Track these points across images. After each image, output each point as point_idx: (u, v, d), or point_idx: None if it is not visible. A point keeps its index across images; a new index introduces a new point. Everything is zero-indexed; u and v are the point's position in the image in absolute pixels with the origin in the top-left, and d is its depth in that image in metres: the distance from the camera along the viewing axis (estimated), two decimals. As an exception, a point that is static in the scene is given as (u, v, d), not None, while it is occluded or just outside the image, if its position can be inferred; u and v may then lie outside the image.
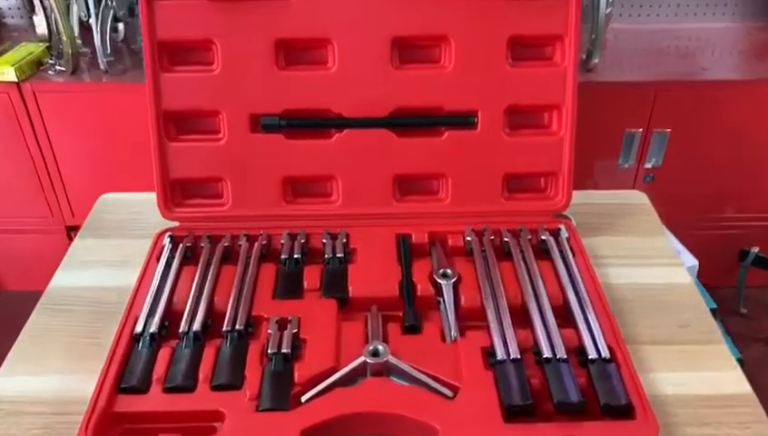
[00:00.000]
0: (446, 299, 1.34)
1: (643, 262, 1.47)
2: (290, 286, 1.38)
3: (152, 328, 1.26)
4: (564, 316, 1.31)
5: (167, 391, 1.18)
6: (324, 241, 1.48)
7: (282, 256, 1.44)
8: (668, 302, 1.36)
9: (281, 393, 1.16)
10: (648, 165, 2.78)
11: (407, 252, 1.46)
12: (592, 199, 1.65)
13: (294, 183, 1.47)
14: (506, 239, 1.47)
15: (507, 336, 1.24)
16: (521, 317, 1.30)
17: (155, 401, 1.17)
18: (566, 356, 1.20)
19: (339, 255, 1.43)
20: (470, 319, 1.28)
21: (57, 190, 2.75)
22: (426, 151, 1.43)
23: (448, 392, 1.17)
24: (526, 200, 1.51)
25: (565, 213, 1.54)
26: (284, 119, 1.42)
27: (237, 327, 1.27)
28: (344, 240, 1.47)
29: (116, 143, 2.61)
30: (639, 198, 1.68)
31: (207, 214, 1.48)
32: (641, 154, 2.70)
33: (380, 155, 1.43)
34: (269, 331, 1.26)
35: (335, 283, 1.38)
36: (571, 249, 1.45)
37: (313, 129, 1.43)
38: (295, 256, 1.43)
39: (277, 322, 1.28)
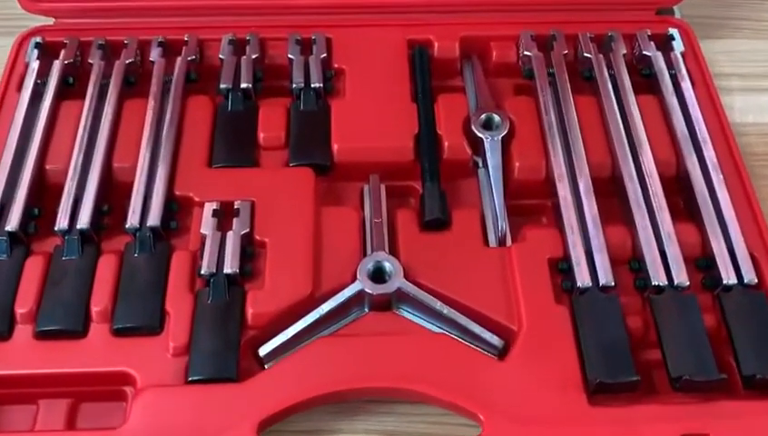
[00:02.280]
0: (490, 166, 0.83)
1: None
2: (235, 141, 0.85)
3: (11, 223, 0.76)
4: (676, 200, 0.82)
5: (40, 336, 0.72)
6: (290, 55, 0.91)
7: (222, 84, 0.88)
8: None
9: (225, 349, 0.70)
10: None
11: (425, 74, 0.91)
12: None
13: None
14: (586, 54, 0.90)
15: (592, 241, 0.76)
16: (608, 199, 0.81)
17: (21, 353, 0.72)
18: (687, 282, 0.73)
19: (315, 85, 0.88)
20: (529, 200, 0.85)
21: None
22: None
23: (497, 343, 0.73)
24: None
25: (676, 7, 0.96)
26: None
27: (150, 222, 0.77)
28: (323, 54, 0.91)
29: None
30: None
31: (98, 5, 0.87)
32: None
33: None
34: (202, 230, 0.77)
35: (309, 137, 0.85)
36: (689, 73, 0.90)
37: None
38: (243, 85, 0.87)
39: (215, 210, 0.78)
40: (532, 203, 0.85)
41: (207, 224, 0.77)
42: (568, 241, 0.76)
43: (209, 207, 0.78)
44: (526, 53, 0.91)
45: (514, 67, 0.94)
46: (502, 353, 0.72)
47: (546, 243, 0.77)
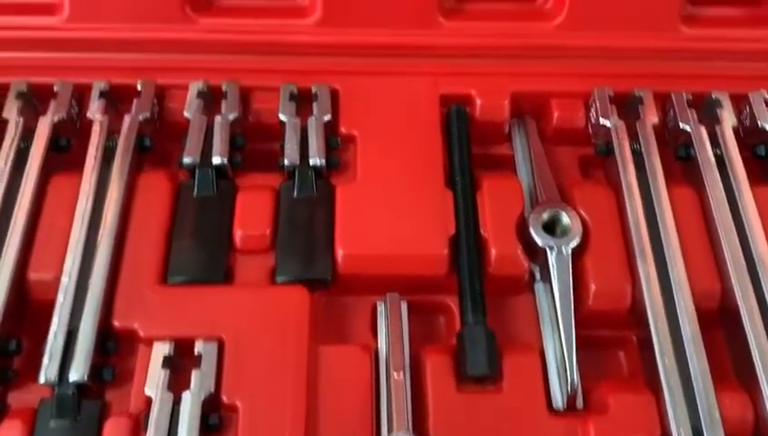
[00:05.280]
0: (556, 289, 0.60)
1: None
2: (200, 243, 0.61)
3: None
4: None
5: None
6: (282, 116, 0.66)
7: (185, 157, 0.64)
8: None
9: None
10: None
11: (464, 144, 0.67)
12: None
13: None
14: (683, 124, 0.66)
15: (701, 412, 0.53)
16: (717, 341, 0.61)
17: None
18: None
19: (314, 162, 0.64)
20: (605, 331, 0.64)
21: None
22: None
23: None
24: (730, 24, 0.73)
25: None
26: None
27: (73, 375, 0.53)
28: (327, 114, 0.67)
29: None
30: None
31: (19, 36, 0.62)
32: None
33: None
34: (147, 391, 0.53)
35: (304, 238, 0.62)
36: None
37: None
38: (215, 161, 0.63)
39: (167, 358, 0.55)
40: (609, 335, 0.62)
41: (155, 381, 0.54)
42: (668, 411, 0.54)
43: (159, 351, 0.55)
44: (602, 121, 0.67)
45: (581, 133, 0.70)
46: None
47: (638, 414, 0.55)
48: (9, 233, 0.60)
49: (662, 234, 0.62)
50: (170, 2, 0.68)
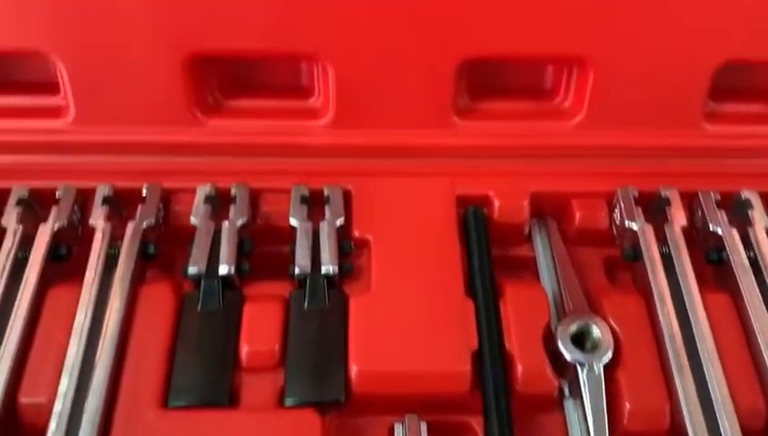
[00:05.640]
0: (588, 408, 0.55)
1: None
2: (205, 362, 0.57)
3: None
4: None
5: None
6: (293, 221, 0.64)
7: (191, 267, 0.60)
8: None
9: None
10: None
11: (483, 249, 0.64)
12: None
13: (220, 70, 0.71)
14: (713, 227, 0.63)
15: None
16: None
17: None
18: None
19: (326, 270, 0.60)
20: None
21: None
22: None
23: None
24: (754, 120, 0.74)
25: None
26: None
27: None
28: (340, 218, 0.64)
29: None
30: None
31: (23, 140, 0.61)
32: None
33: (432, 4, 0.65)
34: None
35: (316, 355, 0.58)
36: None
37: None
38: (222, 271, 0.60)
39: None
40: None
41: None
42: None
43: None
44: (627, 224, 0.64)
45: (605, 234, 0.67)
46: None
47: None
48: (1, 352, 0.56)
49: (699, 346, 0.58)
50: (178, 104, 0.66)
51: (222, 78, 0.69)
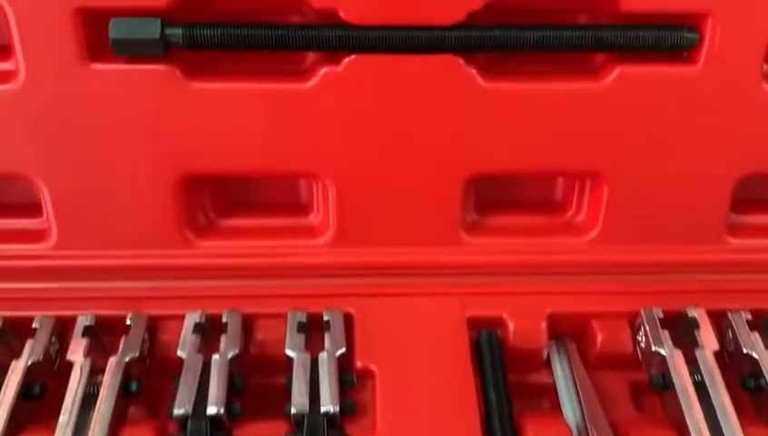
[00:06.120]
0: None
1: None
2: None
3: None
4: None
5: None
6: (289, 351, 0.58)
7: (176, 408, 0.54)
8: None
9: None
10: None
11: (500, 379, 0.59)
12: None
13: (213, 188, 0.66)
14: (747, 351, 0.58)
15: None
16: None
17: None
18: None
19: (326, 409, 0.54)
20: None
21: None
22: (551, 111, 0.62)
23: None
24: None
25: None
26: (191, 26, 0.56)
27: None
28: (341, 348, 0.58)
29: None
30: None
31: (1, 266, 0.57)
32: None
33: (437, 123, 0.62)
34: None
35: None
36: None
37: (267, 52, 0.60)
38: (210, 411, 0.54)
39: None
40: None
41: None
42: None
43: None
44: (654, 348, 0.59)
45: (629, 357, 0.62)
46: None
47: None
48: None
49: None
50: (167, 225, 0.62)
51: (216, 196, 0.66)
